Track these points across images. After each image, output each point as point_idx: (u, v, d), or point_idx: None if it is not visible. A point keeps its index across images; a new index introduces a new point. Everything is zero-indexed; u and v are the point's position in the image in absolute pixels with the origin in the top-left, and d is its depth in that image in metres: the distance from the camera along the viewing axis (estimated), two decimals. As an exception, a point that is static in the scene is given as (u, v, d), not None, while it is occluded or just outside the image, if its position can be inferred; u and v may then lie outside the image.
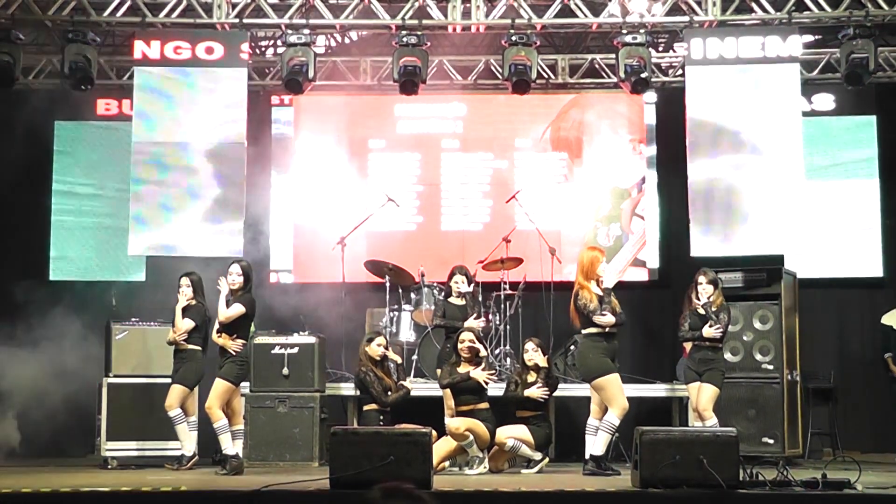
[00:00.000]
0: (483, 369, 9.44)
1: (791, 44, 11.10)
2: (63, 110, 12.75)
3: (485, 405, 9.46)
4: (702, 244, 10.97)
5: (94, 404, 10.89)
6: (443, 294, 10.57)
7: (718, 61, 11.10)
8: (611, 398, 8.85)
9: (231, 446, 9.21)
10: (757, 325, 10.59)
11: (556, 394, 9.89)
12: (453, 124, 13.19)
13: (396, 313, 11.30)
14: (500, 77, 11.91)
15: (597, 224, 12.95)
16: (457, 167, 13.11)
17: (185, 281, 9.71)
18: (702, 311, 9.22)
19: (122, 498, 7.41)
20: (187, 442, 9.58)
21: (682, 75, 11.75)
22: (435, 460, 8.21)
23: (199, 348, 9.64)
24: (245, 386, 9.95)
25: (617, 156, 13.02)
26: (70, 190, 12.78)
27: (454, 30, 11.61)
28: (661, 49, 13.09)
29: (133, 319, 10.65)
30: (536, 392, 9.52)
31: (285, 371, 10.33)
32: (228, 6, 11.28)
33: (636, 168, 13.02)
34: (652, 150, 13.00)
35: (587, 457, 8.93)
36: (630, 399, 9.01)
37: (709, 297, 9.23)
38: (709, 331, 9.12)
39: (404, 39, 11.12)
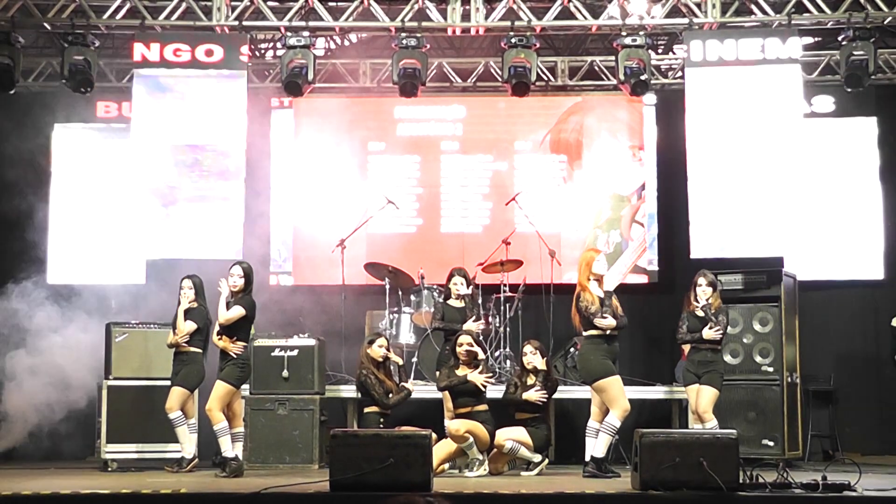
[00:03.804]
0: (481, 372, 9.44)
1: (791, 46, 11.11)
2: (63, 113, 12.76)
3: (483, 407, 9.46)
4: (702, 246, 10.98)
5: (94, 407, 10.89)
6: (442, 296, 10.57)
7: (718, 63, 11.11)
8: (612, 400, 8.86)
9: (231, 448, 9.20)
10: (757, 327, 10.59)
11: (555, 396, 9.89)
12: (453, 126, 13.18)
13: (396, 315, 11.30)
14: (499, 79, 11.92)
15: (596, 230, 12.93)
16: (456, 169, 13.10)
17: (186, 283, 9.70)
18: (700, 313, 9.22)
19: (122, 500, 7.41)
20: (187, 444, 9.57)
21: (682, 77, 11.77)
22: (435, 462, 8.20)
23: (200, 351, 9.63)
24: (245, 388, 9.94)
25: (616, 161, 13.00)
26: (70, 193, 12.77)
27: (454, 32, 11.61)
28: (660, 51, 13.10)
29: (133, 322, 10.65)
30: (534, 395, 9.52)
31: (285, 373, 10.33)
32: (228, 8, 11.29)
33: (636, 175, 13.00)
34: (651, 152, 12.99)
35: (587, 459, 8.93)
36: (630, 401, 9.00)
37: (707, 299, 9.23)
38: (709, 332, 9.13)
39: (404, 41, 11.13)
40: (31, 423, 11.35)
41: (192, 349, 9.57)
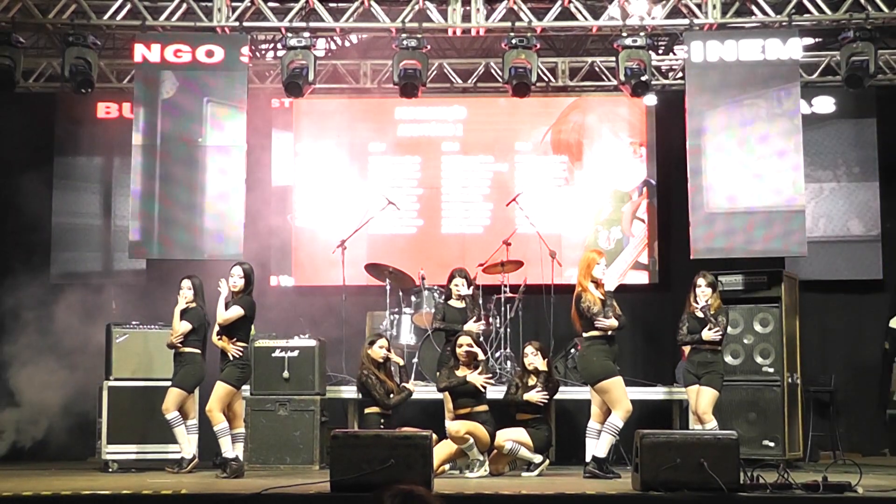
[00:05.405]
0: (480, 373, 9.44)
1: (791, 46, 11.10)
2: (63, 113, 12.76)
3: (483, 408, 9.47)
4: (702, 247, 10.98)
5: (94, 407, 10.89)
6: (443, 297, 10.57)
7: (718, 64, 11.10)
8: (615, 401, 8.86)
9: (231, 449, 9.21)
10: (757, 327, 10.59)
11: (556, 397, 9.89)
12: (453, 127, 13.19)
13: (397, 316, 11.30)
14: (500, 80, 11.92)
15: (597, 227, 12.95)
16: (457, 170, 13.11)
17: (185, 283, 9.70)
18: (700, 314, 9.22)
19: (122, 501, 7.41)
20: (186, 445, 9.57)
21: (683, 78, 11.77)
22: (435, 463, 8.20)
23: (197, 351, 9.63)
24: (246, 389, 9.95)
25: (617, 159, 13.02)
26: (71, 193, 12.78)
27: (454, 33, 11.61)
28: (661, 52, 13.09)
29: (133, 322, 10.64)
30: (536, 396, 9.52)
31: (286, 374, 10.33)
32: (228, 9, 11.28)
33: (637, 171, 13.01)
34: (652, 152, 12.99)
35: (588, 460, 8.93)
36: (630, 402, 9.01)
37: (707, 300, 9.22)
38: (708, 334, 9.13)
39: (404, 42, 11.13)
40: (32, 423, 11.34)
41: (190, 350, 9.57)
